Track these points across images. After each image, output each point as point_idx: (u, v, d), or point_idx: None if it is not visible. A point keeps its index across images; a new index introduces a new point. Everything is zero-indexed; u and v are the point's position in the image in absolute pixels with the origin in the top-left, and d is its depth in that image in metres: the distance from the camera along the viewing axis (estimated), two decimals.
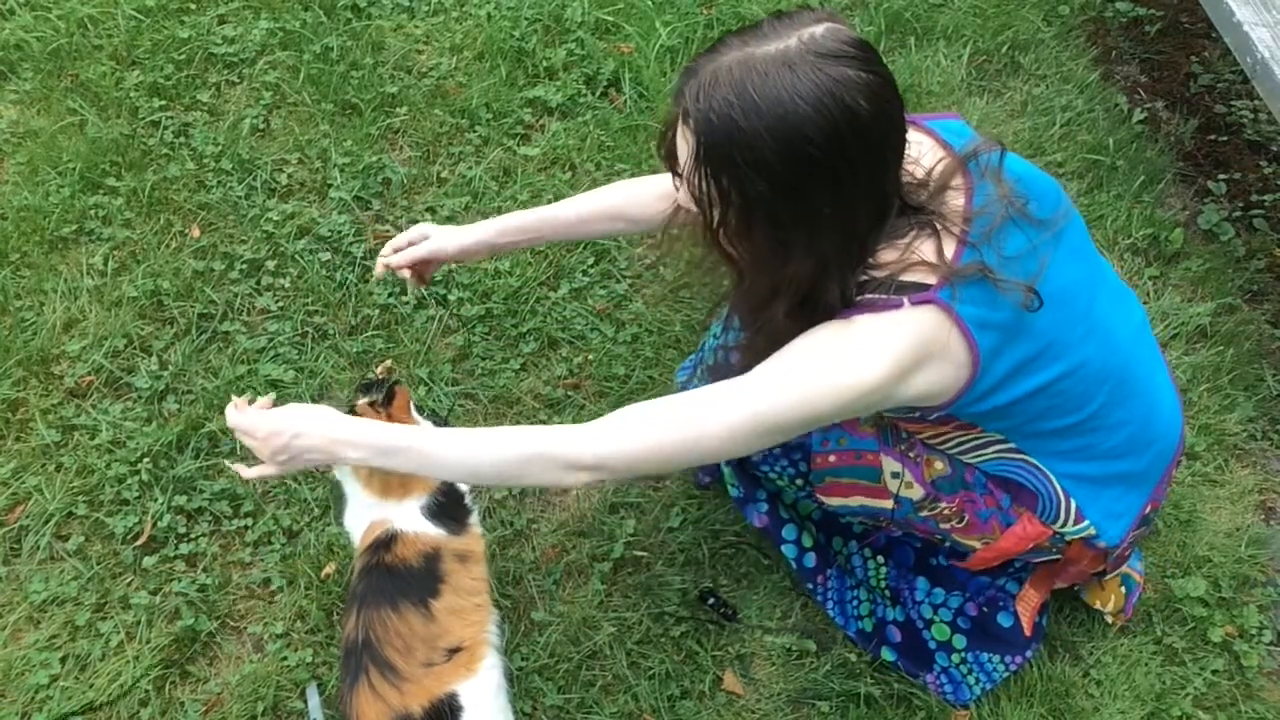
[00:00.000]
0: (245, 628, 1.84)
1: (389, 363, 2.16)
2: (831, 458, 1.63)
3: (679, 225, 1.54)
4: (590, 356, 2.19)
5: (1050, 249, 1.36)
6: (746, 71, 1.17)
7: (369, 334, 2.20)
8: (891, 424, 1.58)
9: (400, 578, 1.51)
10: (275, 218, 2.36)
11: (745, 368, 1.48)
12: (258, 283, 2.28)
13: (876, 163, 1.23)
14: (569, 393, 2.14)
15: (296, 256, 2.31)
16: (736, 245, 1.31)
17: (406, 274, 1.73)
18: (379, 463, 1.38)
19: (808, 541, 1.83)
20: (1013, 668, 1.76)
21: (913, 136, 1.30)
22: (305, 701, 1.74)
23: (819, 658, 1.82)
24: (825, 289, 1.28)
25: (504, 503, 1.98)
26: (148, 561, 1.88)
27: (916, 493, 1.59)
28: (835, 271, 1.27)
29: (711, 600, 1.86)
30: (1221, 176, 2.56)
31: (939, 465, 1.56)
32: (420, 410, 1.83)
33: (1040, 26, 2.88)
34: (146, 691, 1.75)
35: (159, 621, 1.82)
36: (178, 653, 1.79)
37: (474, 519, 1.66)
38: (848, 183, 1.21)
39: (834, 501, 1.69)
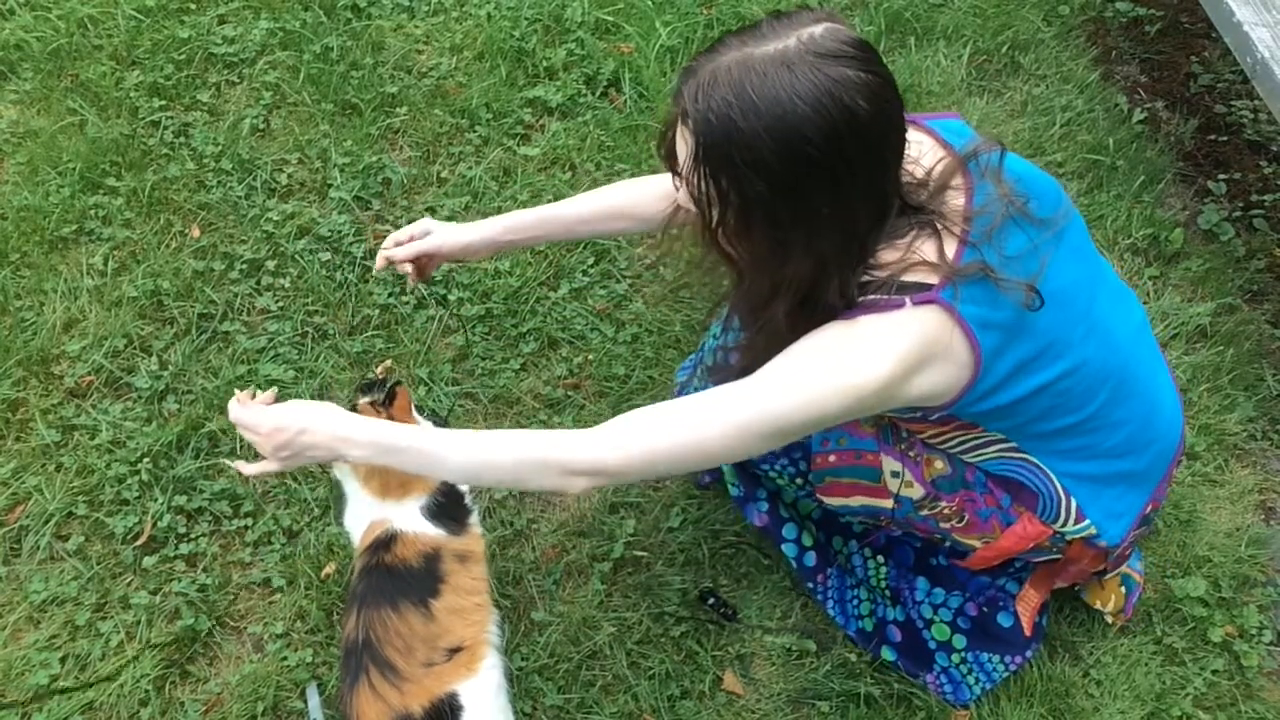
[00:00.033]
0: (245, 628, 1.84)
1: (389, 363, 2.16)
2: (831, 458, 1.63)
3: (679, 225, 1.54)
4: (590, 356, 2.19)
5: (1051, 248, 1.36)
6: (745, 72, 1.17)
7: (369, 334, 2.20)
8: (891, 424, 1.58)
9: (400, 578, 1.51)
10: (275, 218, 2.36)
11: (745, 368, 1.48)
12: (258, 283, 2.28)
13: (876, 163, 1.23)
14: (569, 393, 2.14)
15: (296, 256, 2.31)
16: (735, 245, 1.31)
17: (409, 268, 1.72)
18: (382, 461, 1.38)
19: (808, 540, 1.83)
20: (1013, 668, 1.76)
21: (913, 136, 1.30)
22: (305, 701, 1.74)
23: (819, 658, 1.82)
24: (825, 289, 1.28)
25: (504, 503, 1.98)
26: (148, 561, 1.88)
27: (916, 492, 1.59)
28: (835, 271, 1.27)
29: (711, 600, 1.86)
30: (1221, 176, 2.56)
31: (939, 464, 1.56)
32: (420, 410, 1.83)
33: (1040, 26, 2.88)
34: (146, 691, 1.75)
35: (159, 621, 1.82)
36: (178, 653, 1.79)
37: (474, 519, 1.66)
38: (846, 183, 1.21)
39: (834, 501, 1.69)
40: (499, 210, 2.35)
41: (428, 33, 2.77)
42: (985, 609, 1.76)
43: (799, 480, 1.71)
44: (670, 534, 1.96)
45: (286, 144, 2.51)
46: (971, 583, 1.77)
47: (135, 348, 2.17)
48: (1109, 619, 1.83)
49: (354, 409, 1.59)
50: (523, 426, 2.09)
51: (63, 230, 2.32)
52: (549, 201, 1.87)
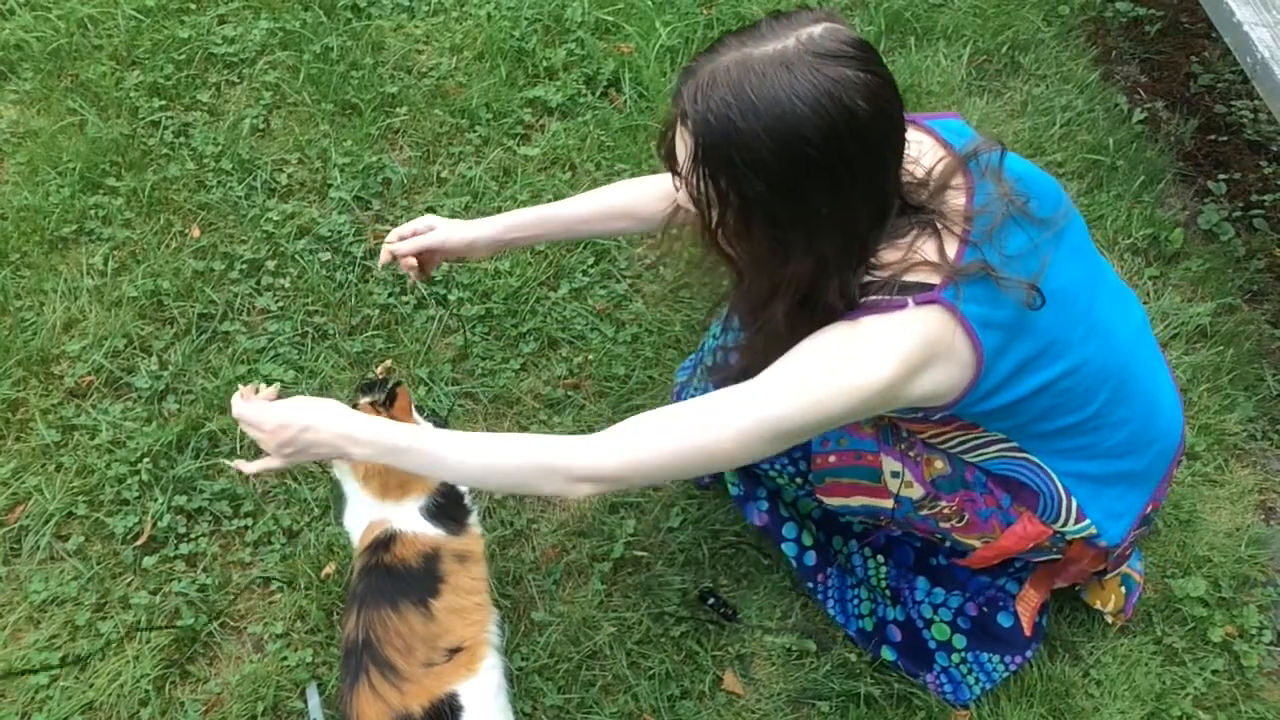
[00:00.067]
0: (245, 628, 1.84)
1: (389, 363, 2.16)
2: (831, 458, 1.63)
3: (679, 225, 1.54)
4: (590, 356, 2.19)
5: (1051, 248, 1.36)
6: (744, 72, 1.17)
7: (369, 334, 2.20)
8: (891, 424, 1.58)
9: (400, 578, 1.51)
10: (275, 218, 2.36)
11: (745, 368, 1.48)
12: (258, 283, 2.28)
13: (875, 163, 1.23)
14: (569, 393, 2.14)
15: (296, 256, 2.31)
16: (735, 245, 1.31)
17: (412, 261, 1.71)
18: (385, 461, 1.37)
19: (808, 540, 1.83)
20: (1013, 668, 1.76)
21: (913, 136, 1.30)
22: (305, 701, 1.74)
23: (819, 658, 1.82)
24: (825, 289, 1.28)
25: (504, 503, 1.98)
26: (148, 561, 1.88)
27: (916, 492, 1.59)
28: (835, 271, 1.27)
29: (711, 600, 1.86)
30: (1221, 176, 2.56)
31: (939, 464, 1.56)
32: (420, 410, 1.83)
33: (1040, 26, 2.88)
34: (146, 691, 1.75)
35: (159, 621, 1.82)
36: (178, 653, 1.79)
37: (473, 519, 1.66)
38: (846, 183, 1.21)
39: (834, 501, 1.69)
40: (499, 210, 2.35)
41: (428, 33, 2.77)
42: (985, 609, 1.76)
43: (799, 480, 1.71)
44: (670, 534, 1.96)
45: (286, 144, 2.51)
46: (971, 583, 1.77)
47: (135, 348, 2.17)
48: (1109, 619, 1.83)
49: (354, 409, 1.59)
50: (523, 426, 2.09)
51: (63, 230, 2.32)
52: (549, 201, 1.87)
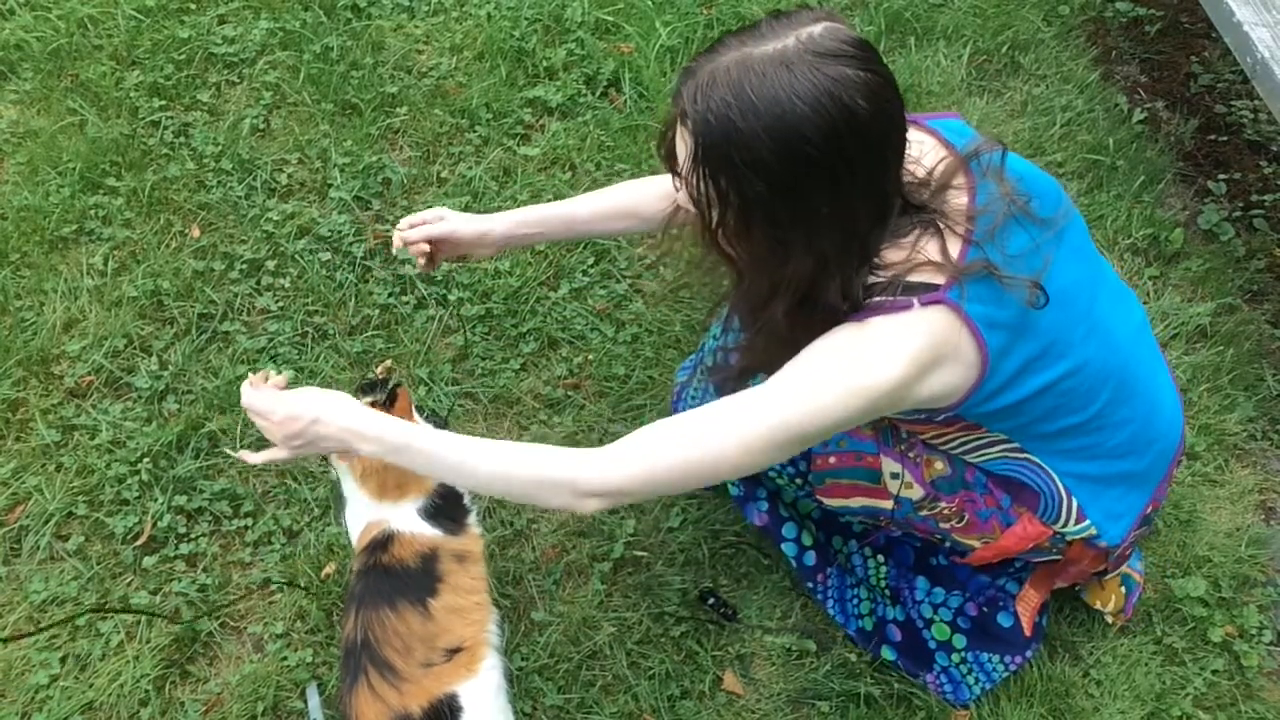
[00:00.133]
0: (245, 628, 1.84)
1: (389, 363, 2.14)
2: (831, 459, 1.63)
3: (679, 225, 1.54)
4: (590, 356, 2.19)
5: (1053, 248, 1.36)
6: (744, 72, 1.17)
7: (369, 334, 2.20)
8: (891, 425, 1.58)
9: (398, 578, 1.50)
10: (275, 218, 2.36)
11: (745, 368, 1.48)
12: (258, 283, 2.28)
13: (876, 162, 1.23)
14: (569, 393, 2.14)
15: (296, 256, 2.31)
16: (735, 245, 1.31)
17: (424, 248, 1.71)
18: (391, 459, 1.37)
19: (808, 540, 1.83)
20: (1012, 668, 1.76)
21: (914, 136, 1.30)
22: (305, 701, 1.74)
23: (819, 658, 1.82)
24: (825, 288, 1.28)
25: (504, 503, 1.98)
26: (148, 561, 1.88)
27: (916, 493, 1.59)
28: (835, 271, 1.27)
29: (711, 600, 1.86)
30: (1221, 176, 2.56)
31: (939, 465, 1.56)
32: (420, 410, 1.83)
33: (1040, 26, 2.88)
34: (146, 691, 1.75)
35: (159, 621, 1.82)
36: (178, 653, 1.79)
37: (472, 519, 1.66)
38: (846, 182, 1.21)
39: (834, 502, 1.69)
40: (499, 210, 2.35)
41: (428, 33, 2.77)
42: (985, 609, 1.76)
43: (799, 481, 1.71)
44: (670, 534, 1.96)
45: (286, 144, 2.51)
46: (971, 582, 1.77)
47: (135, 348, 2.17)
48: (1109, 619, 1.83)
49: None
50: (523, 427, 2.09)
51: (63, 230, 2.32)
52: (549, 201, 1.87)
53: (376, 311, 2.23)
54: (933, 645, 1.77)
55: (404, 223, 1.72)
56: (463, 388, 2.14)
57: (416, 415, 1.71)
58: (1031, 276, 1.29)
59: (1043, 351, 1.35)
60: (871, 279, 1.30)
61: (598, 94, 2.64)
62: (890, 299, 1.28)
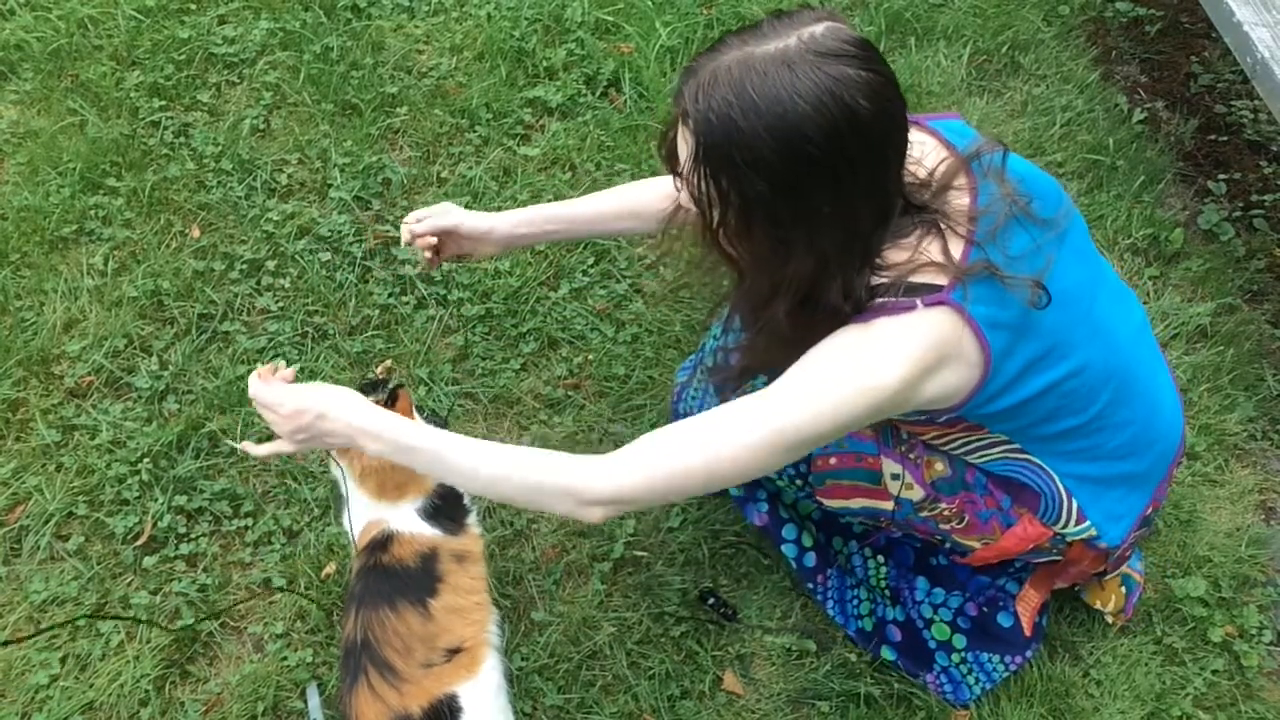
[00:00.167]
0: (245, 628, 1.84)
1: (389, 363, 2.16)
2: (832, 460, 1.63)
3: (679, 225, 1.54)
4: (590, 356, 2.19)
5: (1055, 248, 1.36)
6: (746, 71, 1.17)
7: (369, 334, 2.20)
8: (892, 426, 1.57)
9: (397, 578, 1.50)
10: (275, 218, 2.36)
11: (745, 368, 1.48)
12: (258, 283, 2.28)
13: (877, 161, 1.23)
14: (569, 393, 2.14)
15: (296, 256, 2.31)
16: (736, 245, 1.31)
17: (430, 241, 1.71)
18: (397, 459, 1.36)
19: (808, 541, 1.83)
20: (1013, 668, 1.76)
21: (915, 137, 1.30)
22: (305, 701, 1.74)
23: (819, 658, 1.82)
24: (826, 288, 1.27)
25: (504, 503, 1.98)
26: (148, 561, 1.88)
27: (917, 494, 1.59)
28: (837, 270, 1.27)
29: (711, 600, 1.86)
30: (1221, 176, 2.56)
31: (939, 466, 1.56)
32: (420, 410, 1.83)
33: (1040, 26, 2.88)
34: (146, 691, 1.75)
35: (159, 621, 1.82)
36: (178, 653, 1.79)
37: (472, 519, 1.65)
38: (848, 181, 1.20)
39: (834, 503, 1.69)
40: (499, 210, 2.35)
41: (428, 33, 2.77)
42: (985, 609, 1.76)
43: (799, 482, 1.71)
44: (670, 534, 1.96)
45: (286, 144, 2.51)
46: (971, 582, 1.77)
47: (135, 348, 2.17)
48: (1109, 619, 1.83)
49: None
50: (523, 427, 2.09)
51: (63, 230, 2.32)
52: (549, 201, 1.87)
53: (376, 311, 2.23)
54: (933, 645, 1.77)
55: (410, 216, 1.72)
56: (463, 388, 2.14)
57: (417, 415, 1.71)
58: (1034, 277, 1.29)
59: (1045, 352, 1.35)
60: (875, 279, 1.29)
61: (598, 94, 2.64)
62: (893, 299, 1.27)
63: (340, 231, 2.35)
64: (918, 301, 1.26)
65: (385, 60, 2.69)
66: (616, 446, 1.34)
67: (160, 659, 1.78)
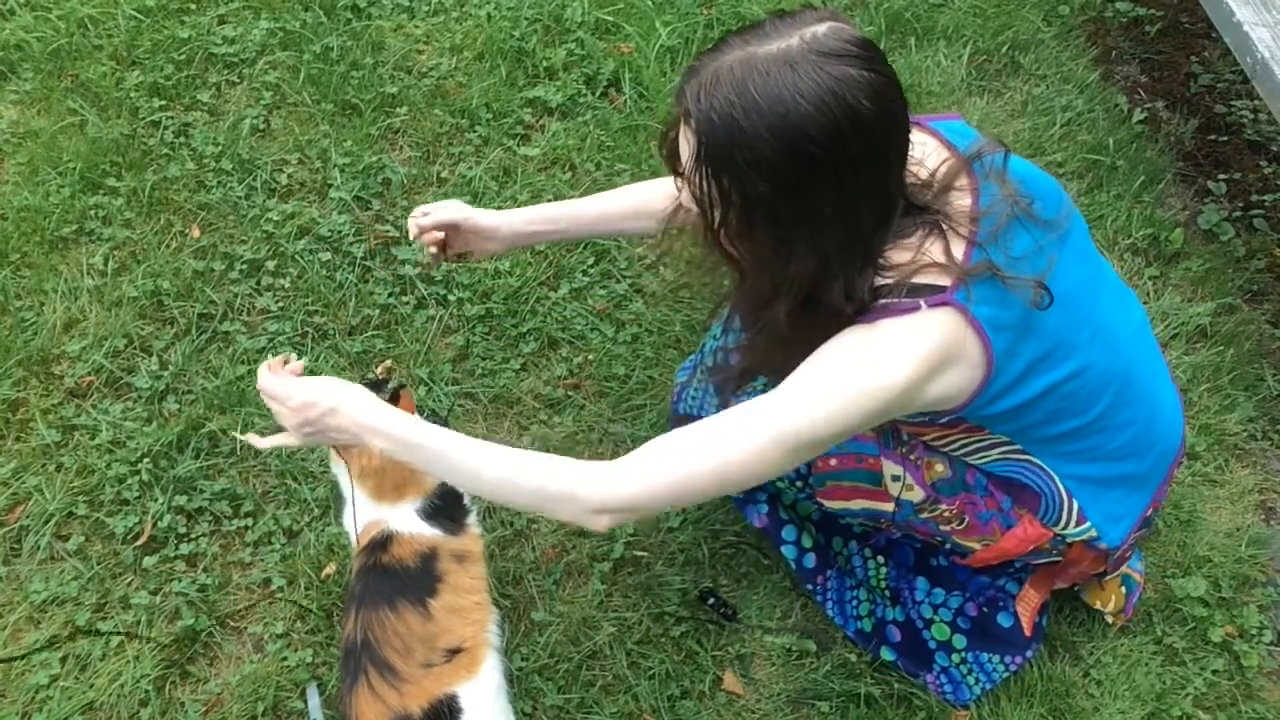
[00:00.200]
0: (245, 628, 1.84)
1: (389, 363, 2.14)
2: (832, 461, 1.63)
3: (679, 224, 1.54)
4: (590, 356, 2.19)
5: (1056, 249, 1.36)
6: (748, 71, 1.17)
7: (369, 334, 2.20)
8: (892, 427, 1.57)
9: (397, 578, 1.50)
10: (275, 218, 2.36)
11: (745, 368, 1.48)
12: (258, 283, 2.28)
13: (879, 162, 1.23)
14: (569, 393, 2.14)
15: (296, 256, 2.31)
16: (737, 245, 1.30)
17: (437, 235, 1.71)
18: (403, 457, 1.36)
19: (807, 542, 1.83)
20: (1013, 668, 1.76)
21: (917, 137, 1.30)
22: (305, 701, 1.74)
23: (819, 658, 1.82)
24: (828, 289, 1.27)
25: None
26: (148, 561, 1.88)
27: (917, 495, 1.59)
28: (838, 271, 1.26)
29: (711, 600, 1.86)
30: (1221, 176, 2.56)
31: (939, 467, 1.56)
32: (420, 410, 1.83)
33: (1040, 26, 2.88)
34: (146, 692, 1.75)
35: (159, 621, 1.82)
36: (178, 653, 1.79)
37: (472, 519, 1.65)
38: (850, 181, 1.20)
39: (835, 504, 1.69)
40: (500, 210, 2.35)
41: (428, 33, 2.77)
42: (985, 609, 1.76)
43: (799, 483, 1.71)
44: (670, 534, 1.96)
45: (286, 144, 2.51)
46: (971, 583, 1.77)
47: (135, 348, 2.17)
48: (1109, 619, 1.83)
49: None
50: (523, 427, 2.09)
51: (63, 230, 2.32)
52: (549, 201, 1.87)
53: (376, 311, 2.23)
54: (933, 645, 1.77)
55: (417, 211, 1.72)
56: (463, 388, 2.14)
57: (417, 415, 1.71)
58: (1036, 278, 1.29)
59: (1047, 353, 1.35)
60: (878, 280, 1.29)
61: (598, 94, 2.64)
62: (897, 300, 1.27)
63: (340, 231, 2.35)
64: (921, 302, 1.26)
65: (385, 60, 2.69)
66: (617, 446, 1.34)
67: (160, 659, 1.78)
